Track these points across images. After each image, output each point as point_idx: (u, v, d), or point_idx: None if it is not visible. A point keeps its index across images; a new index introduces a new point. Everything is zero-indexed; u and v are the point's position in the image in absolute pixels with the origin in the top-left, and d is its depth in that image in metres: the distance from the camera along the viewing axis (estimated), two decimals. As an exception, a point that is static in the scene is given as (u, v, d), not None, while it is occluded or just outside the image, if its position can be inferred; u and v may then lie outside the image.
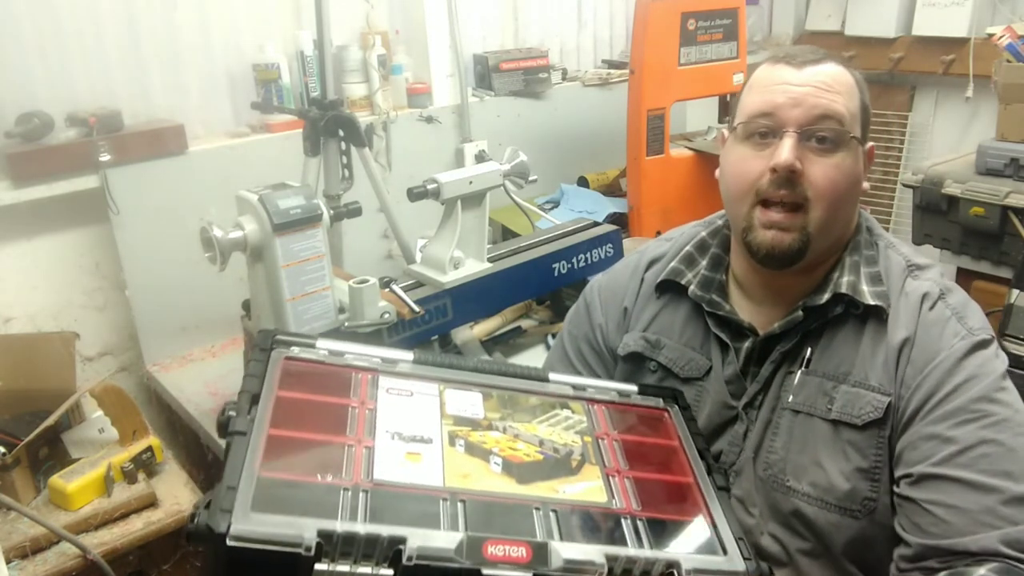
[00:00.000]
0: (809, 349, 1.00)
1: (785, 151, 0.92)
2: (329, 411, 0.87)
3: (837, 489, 0.95)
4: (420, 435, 0.87)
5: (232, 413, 0.80)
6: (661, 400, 1.06)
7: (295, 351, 0.93)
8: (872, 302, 0.96)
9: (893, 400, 0.93)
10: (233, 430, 0.78)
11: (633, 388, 1.05)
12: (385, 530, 0.71)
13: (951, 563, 0.85)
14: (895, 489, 0.93)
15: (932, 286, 0.97)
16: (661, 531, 0.84)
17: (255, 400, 0.83)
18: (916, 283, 0.98)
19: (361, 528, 0.71)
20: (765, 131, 0.96)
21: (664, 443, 0.98)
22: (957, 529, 0.86)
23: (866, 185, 1.02)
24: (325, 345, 0.96)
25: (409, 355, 0.99)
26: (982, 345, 0.93)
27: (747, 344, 1.04)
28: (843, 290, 0.97)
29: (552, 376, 1.03)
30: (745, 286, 1.07)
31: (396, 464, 0.81)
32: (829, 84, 0.95)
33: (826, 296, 0.98)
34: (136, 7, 1.89)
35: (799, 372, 0.99)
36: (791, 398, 0.99)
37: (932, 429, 0.90)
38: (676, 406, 1.05)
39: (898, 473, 0.93)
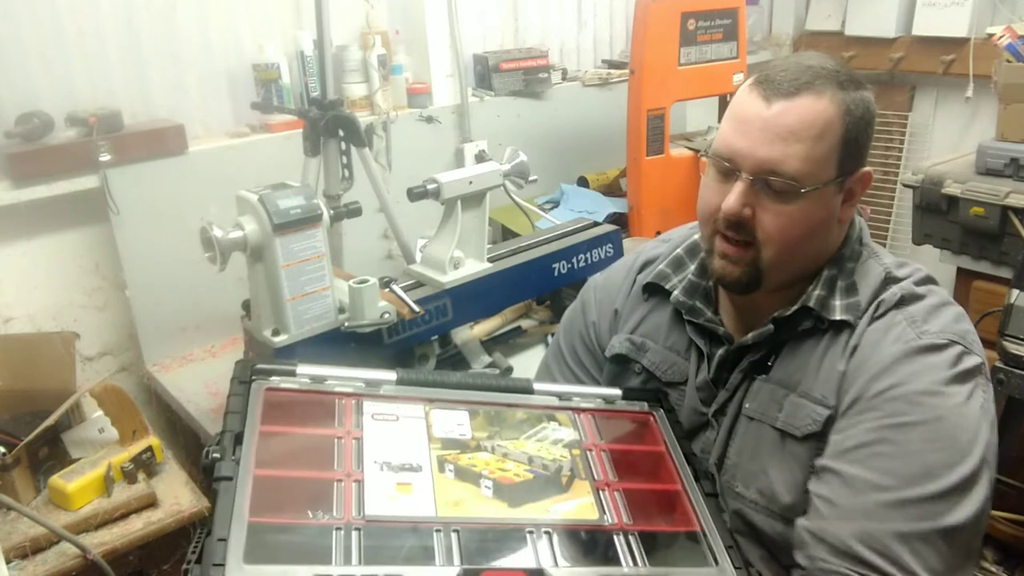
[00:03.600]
0: (773, 357, 1.00)
1: (731, 199, 0.92)
2: (315, 444, 0.85)
3: (779, 500, 0.94)
4: (409, 463, 0.86)
5: (216, 455, 0.78)
6: (646, 404, 1.06)
7: (275, 381, 0.92)
8: (839, 317, 0.95)
9: (833, 413, 0.92)
10: (219, 476, 0.76)
11: (617, 392, 1.05)
12: (381, 572, 0.70)
13: (810, 553, 0.85)
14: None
15: (892, 296, 0.94)
16: (653, 544, 0.84)
17: (239, 439, 0.81)
18: (887, 294, 0.95)
19: (356, 572, 0.70)
20: (726, 170, 0.94)
21: (651, 450, 0.99)
22: (827, 520, 0.85)
23: (855, 216, 1.00)
24: (306, 371, 0.94)
25: (392, 375, 0.98)
26: (930, 349, 0.89)
27: (720, 352, 1.04)
28: (811, 304, 0.96)
29: (537, 386, 1.03)
30: (728, 295, 1.07)
31: (387, 497, 0.80)
32: (791, 130, 0.89)
33: (792, 308, 0.97)
34: (136, 7, 1.88)
35: (759, 379, 0.99)
36: (747, 405, 0.99)
37: (843, 423, 0.90)
38: (661, 409, 1.05)
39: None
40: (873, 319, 0.93)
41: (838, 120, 0.90)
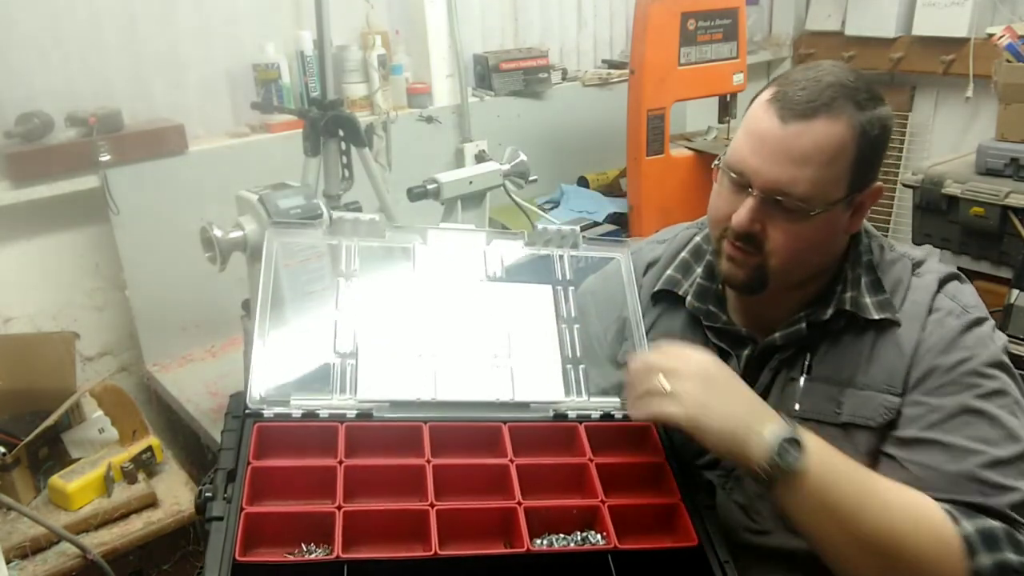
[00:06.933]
0: (808, 355, 0.99)
1: (742, 214, 0.93)
2: (306, 476, 0.86)
3: None
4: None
5: (208, 495, 0.80)
6: None
7: (268, 414, 0.92)
8: (876, 316, 0.96)
9: (901, 394, 0.94)
10: (210, 516, 0.78)
11: (615, 402, 1.03)
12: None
13: None
14: (880, 448, 0.94)
15: (932, 280, 0.99)
16: (647, 562, 0.84)
17: (231, 476, 0.82)
18: (920, 280, 0.99)
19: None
20: (737, 182, 0.94)
21: (650, 461, 0.97)
22: (931, 486, 0.87)
23: (864, 225, 1.01)
24: (299, 402, 0.94)
25: (386, 402, 0.98)
26: (977, 323, 0.95)
27: (747, 352, 1.03)
28: (847, 307, 0.97)
29: (533, 402, 1.01)
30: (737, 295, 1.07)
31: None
32: (805, 154, 0.88)
33: (830, 312, 0.98)
34: (136, 7, 1.88)
35: (802, 379, 0.99)
36: (797, 406, 0.98)
37: (923, 398, 0.92)
38: None
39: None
40: (930, 312, 0.97)
41: (852, 143, 0.90)
